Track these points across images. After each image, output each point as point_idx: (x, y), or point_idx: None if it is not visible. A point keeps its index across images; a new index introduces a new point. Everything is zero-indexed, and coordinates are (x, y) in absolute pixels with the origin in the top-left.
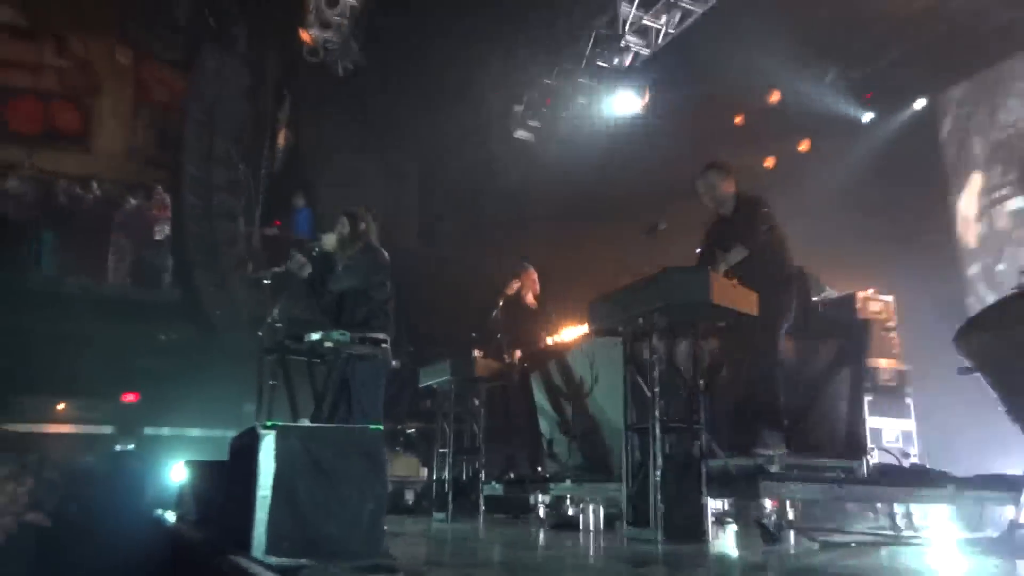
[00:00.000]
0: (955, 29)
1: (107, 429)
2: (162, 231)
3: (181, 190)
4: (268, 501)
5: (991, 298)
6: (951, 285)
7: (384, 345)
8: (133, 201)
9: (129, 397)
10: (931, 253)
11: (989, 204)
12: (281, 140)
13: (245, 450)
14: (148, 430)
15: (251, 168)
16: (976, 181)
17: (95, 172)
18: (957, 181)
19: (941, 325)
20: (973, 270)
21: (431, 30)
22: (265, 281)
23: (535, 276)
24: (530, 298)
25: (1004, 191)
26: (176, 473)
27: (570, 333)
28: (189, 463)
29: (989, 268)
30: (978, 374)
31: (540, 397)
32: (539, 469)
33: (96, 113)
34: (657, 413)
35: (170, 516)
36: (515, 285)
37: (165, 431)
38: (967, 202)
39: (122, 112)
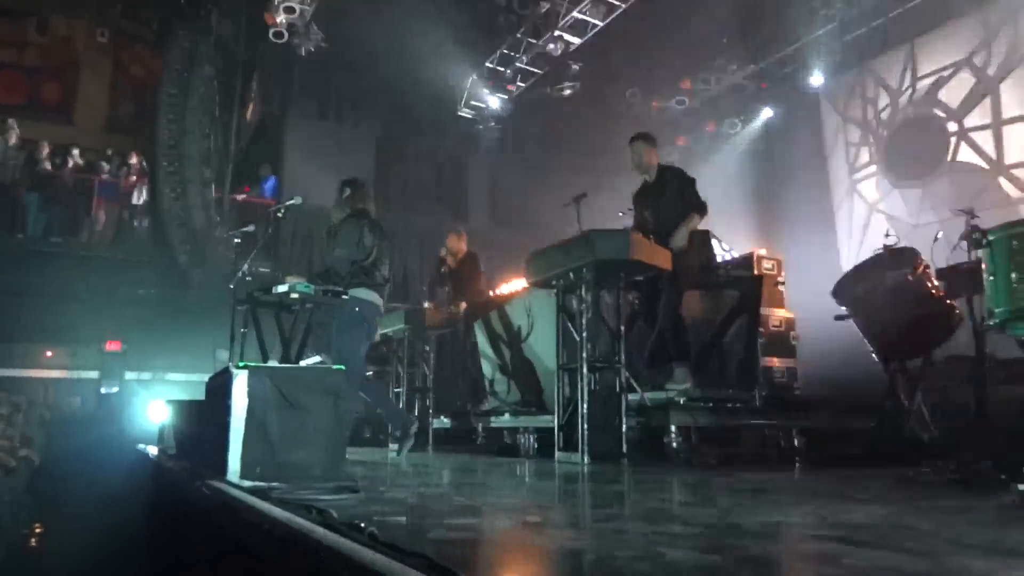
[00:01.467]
0: (836, 30)
1: (93, 374)
2: (140, 195)
3: (156, 158)
4: (241, 432)
5: (862, 256)
6: (829, 246)
7: (344, 296)
8: (111, 167)
9: (113, 346)
10: (813, 219)
11: (859, 179)
12: (249, 114)
13: (220, 388)
14: (130, 375)
15: (222, 139)
16: (849, 158)
17: (76, 141)
18: (834, 159)
19: (820, 279)
20: (845, 233)
21: (387, 15)
22: (235, 240)
23: (464, 238)
24: (460, 256)
25: (871, 168)
26: (156, 412)
27: (509, 287)
28: (169, 402)
29: (859, 231)
30: (851, 320)
31: (483, 342)
32: (482, 405)
33: (76, 87)
34: (584, 355)
35: (152, 450)
36: (454, 247)
37: (146, 375)
38: (841, 177)
39: (101, 86)
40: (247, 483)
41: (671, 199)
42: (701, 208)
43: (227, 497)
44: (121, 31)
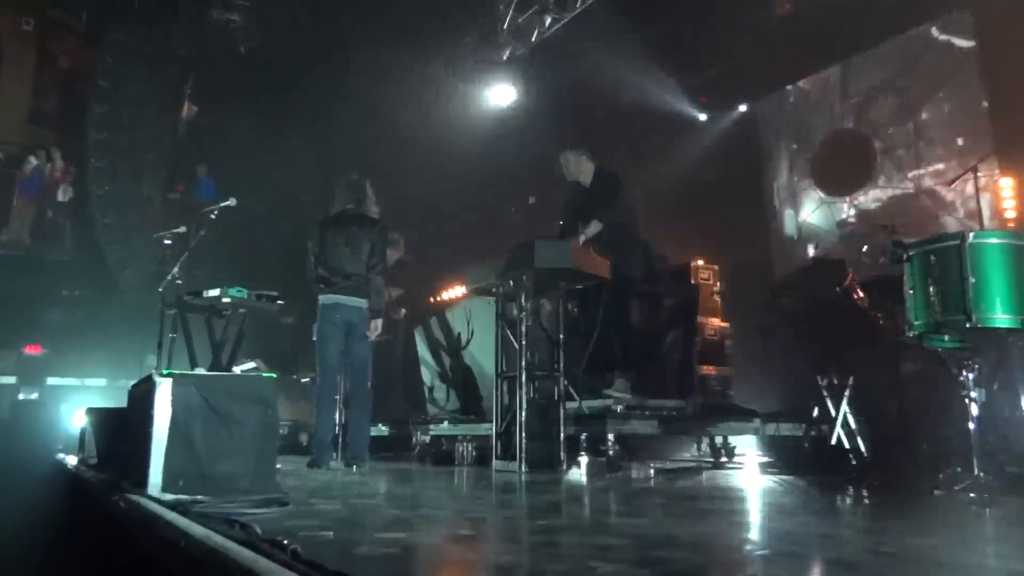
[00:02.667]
0: (773, 48)
1: (10, 379)
2: (66, 192)
3: (85, 154)
4: (164, 443)
5: (794, 268)
6: (763, 257)
7: (281, 302)
8: (35, 163)
9: (32, 349)
10: (748, 231)
11: (792, 194)
12: (185, 112)
13: (143, 396)
14: (52, 380)
15: (155, 136)
16: (784, 174)
17: None
18: (769, 173)
19: (754, 290)
20: (778, 244)
21: (329, 15)
22: (166, 242)
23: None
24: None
25: (804, 183)
26: (78, 419)
27: (449, 294)
28: (90, 410)
29: (792, 245)
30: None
31: (422, 349)
32: (421, 413)
33: None
34: (524, 363)
35: (71, 460)
36: (394, 254)
37: (70, 381)
38: (776, 190)
39: (24, 78)
40: (169, 496)
41: (598, 203)
42: (605, 211)
43: (144, 512)
44: (49, 21)
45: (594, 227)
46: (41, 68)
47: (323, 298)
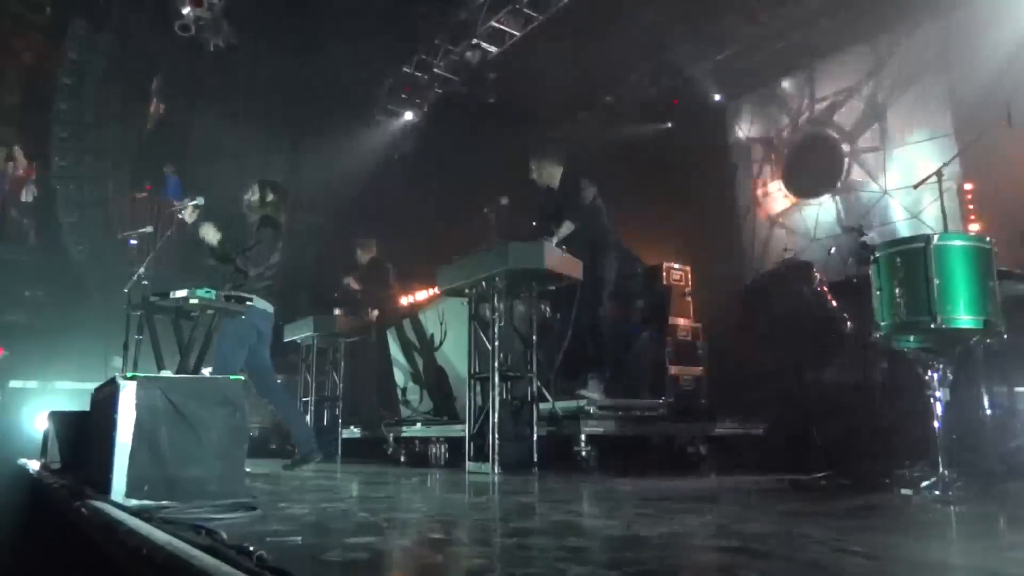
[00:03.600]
0: (742, 52)
1: None
2: (29, 192)
3: (49, 152)
4: (128, 447)
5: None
6: (733, 258)
7: (250, 303)
8: None
9: None
10: (719, 232)
11: (763, 194)
12: (152, 109)
13: (106, 400)
14: (14, 383)
15: (121, 134)
16: (753, 174)
17: None
18: (739, 173)
19: (725, 290)
20: (749, 245)
21: (300, 12)
22: (132, 241)
23: (373, 247)
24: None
25: (773, 184)
26: (40, 423)
27: (422, 295)
28: (53, 414)
29: (762, 244)
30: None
31: (395, 350)
32: (394, 414)
33: None
34: (496, 364)
35: (33, 464)
36: (364, 256)
37: (32, 384)
38: (745, 191)
39: None
40: (133, 502)
41: (567, 205)
42: (573, 213)
43: (107, 519)
44: (10, 15)
45: (566, 228)
46: (3, 64)
47: (263, 305)
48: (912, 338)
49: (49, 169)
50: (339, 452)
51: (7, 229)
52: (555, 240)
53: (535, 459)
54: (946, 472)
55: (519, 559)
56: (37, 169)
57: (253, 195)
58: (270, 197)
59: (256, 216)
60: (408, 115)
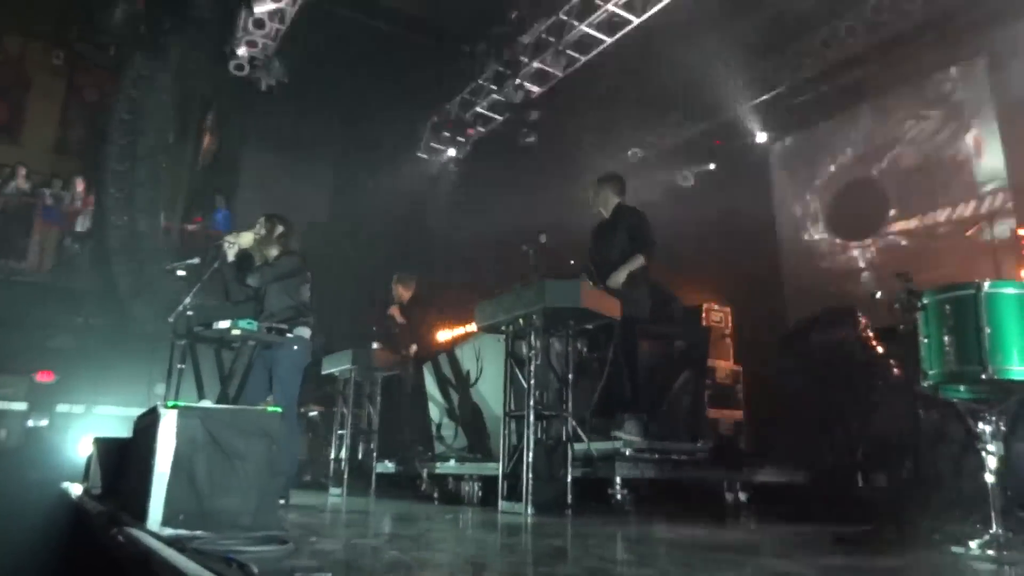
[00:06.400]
0: (782, 94)
1: (21, 406)
2: (84, 222)
3: (105, 183)
4: (166, 476)
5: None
6: (776, 300)
7: (289, 335)
8: (57, 191)
9: (44, 376)
10: (761, 274)
11: (804, 236)
12: (205, 144)
13: (147, 428)
14: (62, 407)
15: (175, 168)
16: (796, 216)
17: (22, 161)
18: (781, 215)
19: (767, 333)
20: (792, 289)
21: (350, 53)
22: (180, 272)
23: (413, 285)
24: (406, 302)
25: (816, 226)
26: (84, 448)
27: (459, 330)
28: (97, 439)
29: (804, 288)
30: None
31: (431, 386)
32: (428, 450)
33: (25, 107)
34: (532, 402)
35: (76, 489)
36: (404, 292)
37: (79, 409)
38: (789, 233)
39: (52, 108)
40: (168, 531)
41: (620, 237)
42: (648, 248)
43: (142, 547)
44: (78, 54)
45: (636, 262)
46: (68, 100)
47: (306, 332)
48: (962, 388)
49: (105, 200)
50: (373, 486)
51: (63, 258)
52: (625, 274)
53: (569, 500)
54: (1000, 530)
55: None
56: (94, 200)
57: (261, 229)
58: (279, 230)
59: (276, 249)
60: (451, 152)
